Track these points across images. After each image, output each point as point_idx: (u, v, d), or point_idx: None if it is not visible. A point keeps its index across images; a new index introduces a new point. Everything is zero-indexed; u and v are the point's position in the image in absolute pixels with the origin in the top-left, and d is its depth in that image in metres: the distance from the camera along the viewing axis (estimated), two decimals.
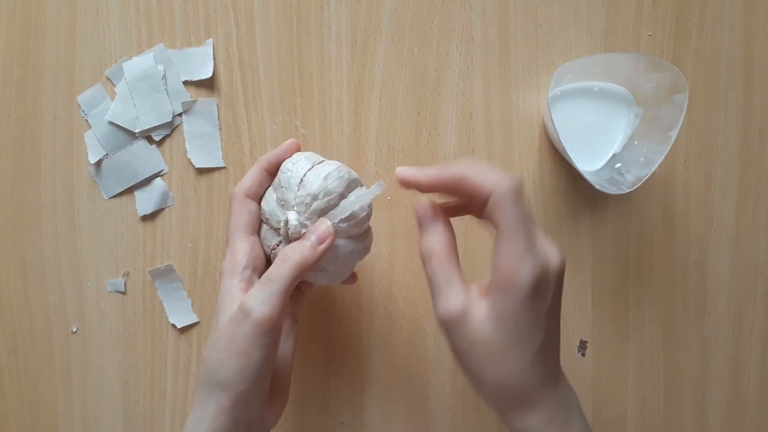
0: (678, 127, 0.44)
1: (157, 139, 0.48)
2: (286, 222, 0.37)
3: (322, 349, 0.50)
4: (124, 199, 0.49)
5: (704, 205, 0.50)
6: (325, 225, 0.37)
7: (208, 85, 0.48)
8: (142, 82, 0.48)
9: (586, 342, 0.50)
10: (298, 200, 0.38)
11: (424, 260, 0.35)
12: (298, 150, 0.41)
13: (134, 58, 0.48)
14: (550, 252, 0.33)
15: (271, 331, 0.35)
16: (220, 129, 0.49)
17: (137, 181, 0.49)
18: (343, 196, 0.38)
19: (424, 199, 0.36)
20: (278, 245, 0.39)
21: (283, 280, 0.35)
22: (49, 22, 0.48)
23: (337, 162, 0.39)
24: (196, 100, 0.48)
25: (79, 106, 0.49)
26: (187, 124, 0.48)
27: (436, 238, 0.35)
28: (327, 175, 0.37)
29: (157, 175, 0.49)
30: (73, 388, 0.50)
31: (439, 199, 0.36)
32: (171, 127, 0.48)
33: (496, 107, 0.49)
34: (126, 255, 0.49)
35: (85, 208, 0.49)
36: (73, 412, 0.50)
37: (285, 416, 0.40)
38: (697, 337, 0.51)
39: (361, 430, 0.50)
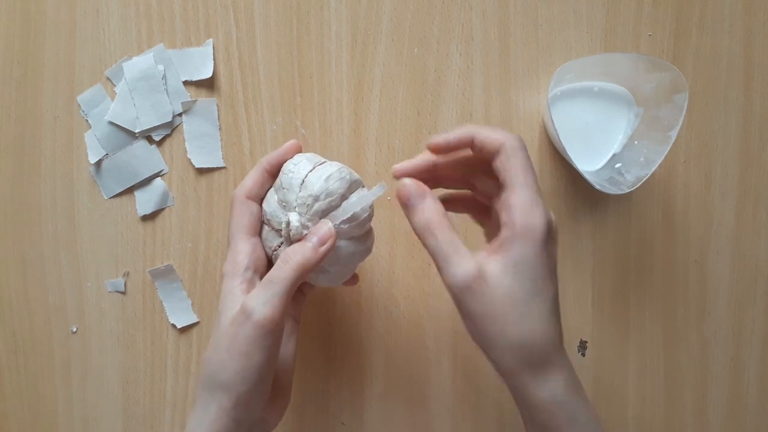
0: (678, 127, 0.44)
1: (157, 139, 0.48)
2: (288, 223, 0.37)
3: (322, 349, 0.50)
4: (124, 199, 0.49)
5: (704, 205, 0.50)
6: (326, 226, 0.37)
7: (208, 85, 0.48)
8: (142, 82, 0.48)
9: (586, 342, 0.50)
10: (299, 201, 0.38)
11: (424, 234, 0.35)
12: (299, 151, 0.41)
13: (134, 58, 0.48)
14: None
15: (272, 333, 0.35)
16: (220, 129, 0.49)
17: (137, 181, 0.49)
18: (344, 197, 0.38)
19: (407, 180, 0.36)
20: (279, 246, 0.39)
21: (284, 281, 0.35)
22: (49, 22, 0.48)
23: (339, 163, 0.39)
24: (196, 100, 0.48)
25: (79, 106, 0.49)
26: (187, 124, 0.48)
27: (430, 211, 0.35)
28: (328, 176, 0.37)
29: (157, 175, 0.49)
30: (73, 388, 0.50)
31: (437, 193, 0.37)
32: (171, 127, 0.48)
33: (496, 107, 0.49)
34: (126, 255, 0.49)
35: (85, 208, 0.49)
36: (73, 412, 0.50)
37: (285, 417, 0.40)
38: (698, 337, 0.51)
39: (361, 430, 0.50)
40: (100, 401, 0.50)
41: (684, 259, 0.50)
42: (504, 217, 0.34)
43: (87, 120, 0.49)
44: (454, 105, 0.49)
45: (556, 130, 0.44)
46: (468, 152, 0.38)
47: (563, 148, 0.44)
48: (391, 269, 0.49)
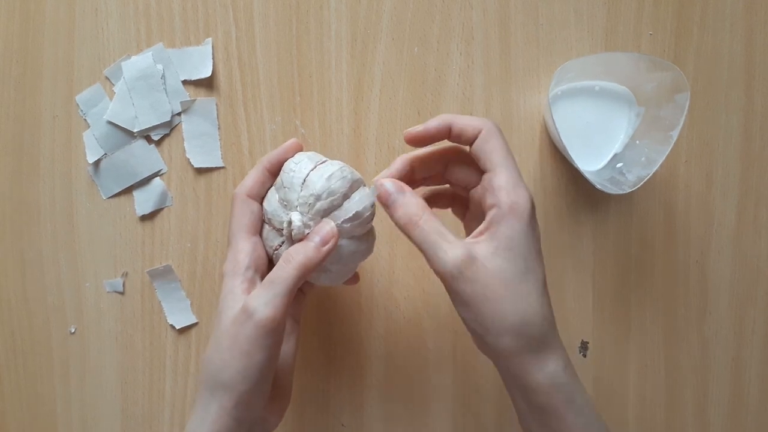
0: (679, 127, 0.44)
1: (155, 138, 0.48)
2: (290, 222, 0.37)
3: (322, 349, 0.50)
4: (123, 199, 0.49)
5: (705, 205, 0.50)
6: (328, 226, 0.37)
7: (207, 84, 0.48)
8: (140, 82, 0.48)
9: (587, 342, 0.50)
10: (301, 200, 0.37)
11: (408, 226, 0.35)
12: (300, 150, 0.41)
13: (133, 58, 0.48)
14: None
15: (274, 332, 0.35)
16: (219, 128, 0.49)
17: (136, 180, 0.48)
18: (346, 196, 0.38)
19: (384, 179, 0.37)
20: (281, 245, 0.39)
21: (286, 281, 0.35)
22: (48, 22, 0.48)
23: (340, 162, 0.39)
24: (195, 100, 0.48)
25: (78, 105, 0.48)
26: (186, 124, 0.48)
27: (410, 204, 0.36)
28: (330, 176, 0.37)
29: (155, 174, 0.49)
30: (72, 389, 0.50)
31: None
32: (170, 127, 0.48)
33: (497, 107, 0.49)
34: (124, 255, 0.49)
35: (84, 207, 0.49)
36: (71, 412, 0.50)
37: (285, 417, 0.40)
38: (699, 337, 0.51)
39: (361, 430, 0.50)
40: (98, 401, 0.50)
41: (685, 259, 0.50)
42: (489, 199, 0.35)
43: (86, 119, 0.48)
44: (454, 104, 0.49)
45: (557, 129, 0.44)
46: (444, 143, 0.39)
47: (564, 148, 0.44)
48: (391, 269, 0.49)
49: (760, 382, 0.51)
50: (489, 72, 0.49)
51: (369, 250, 0.40)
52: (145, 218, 0.49)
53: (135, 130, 0.48)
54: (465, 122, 0.37)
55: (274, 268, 0.36)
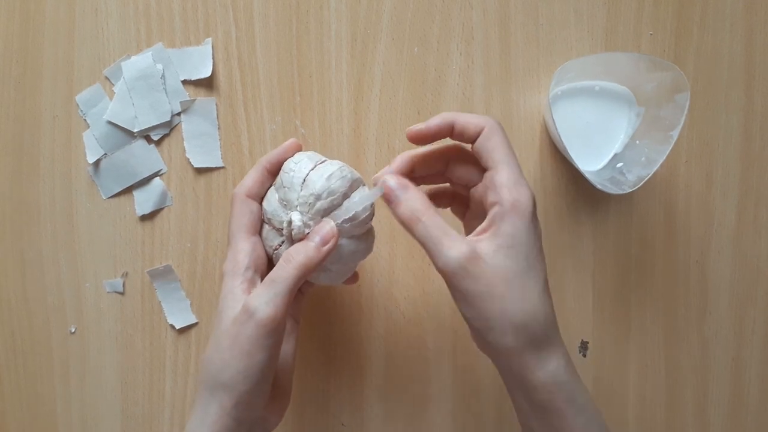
0: (679, 127, 0.44)
1: (155, 138, 0.48)
2: (290, 222, 0.37)
3: (322, 349, 0.50)
4: (123, 198, 0.49)
5: (706, 205, 0.50)
6: (329, 225, 0.37)
7: (207, 84, 0.48)
8: (140, 82, 0.48)
9: (587, 342, 0.50)
10: (301, 200, 0.37)
11: (411, 222, 0.35)
12: (299, 150, 0.41)
13: (133, 58, 0.48)
14: None
15: (274, 332, 0.35)
16: (219, 128, 0.49)
17: (136, 180, 0.48)
18: (346, 196, 0.38)
19: (388, 176, 0.37)
20: (280, 245, 0.39)
21: (287, 281, 0.35)
22: (48, 21, 0.48)
23: (340, 162, 0.39)
24: (194, 100, 0.48)
25: (78, 105, 0.48)
26: (186, 124, 0.48)
27: (414, 200, 0.36)
28: (330, 175, 0.37)
29: (155, 174, 0.49)
30: (72, 389, 0.50)
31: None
32: (170, 127, 0.48)
33: (497, 107, 0.49)
34: (124, 255, 0.49)
35: (84, 207, 0.49)
36: (71, 412, 0.50)
37: (285, 417, 0.40)
38: (699, 337, 0.51)
39: (361, 430, 0.50)
40: (98, 402, 0.50)
41: (685, 259, 0.50)
42: (491, 196, 0.35)
43: (85, 119, 0.48)
44: (454, 104, 0.49)
45: (557, 129, 0.44)
46: (447, 141, 0.38)
47: (564, 148, 0.44)
48: (391, 269, 0.49)
49: (760, 382, 0.51)
50: (489, 72, 0.49)
51: (369, 249, 0.40)
52: (145, 218, 0.49)
53: (135, 130, 0.48)
54: (467, 120, 0.36)
55: (275, 268, 0.36)
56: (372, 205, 0.39)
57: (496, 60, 0.49)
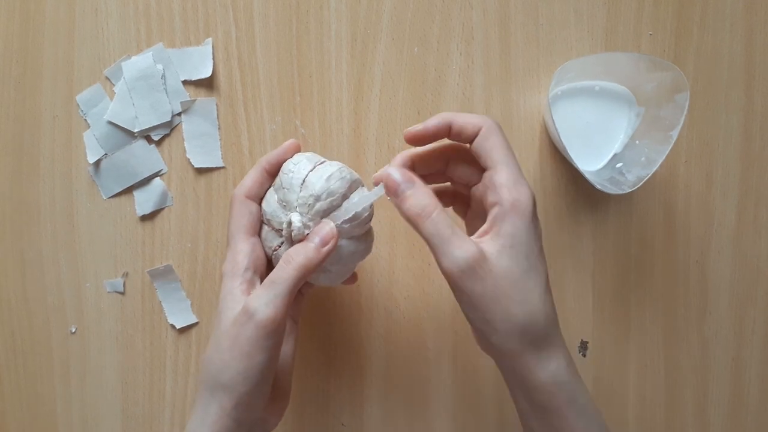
0: (679, 127, 0.44)
1: (156, 138, 0.48)
2: (290, 223, 0.37)
3: (322, 349, 0.50)
4: (123, 199, 0.49)
5: (705, 205, 0.50)
6: (328, 226, 0.37)
7: (208, 84, 0.48)
8: (141, 82, 0.48)
9: (587, 342, 0.50)
10: (300, 201, 0.37)
11: (419, 219, 0.34)
12: (299, 150, 0.41)
13: (133, 58, 0.48)
14: None
15: (274, 333, 0.35)
16: (219, 129, 0.49)
17: (136, 180, 0.48)
18: (345, 196, 0.38)
19: (392, 169, 0.36)
20: (280, 246, 0.39)
21: (287, 282, 0.35)
22: (48, 21, 0.48)
23: (339, 162, 0.39)
24: (195, 100, 0.48)
25: (78, 105, 0.48)
26: (186, 124, 0.48)
27: (422, 196, 0.35)
28: (329, 176, 0.37)
29: (156, 174, 0.49)
30: (72, 389, 0.50)
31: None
32: (170, 127, 0.48)
33: (497, 106, 0.49)
34: (125, 255, 0.49)
35: (84, 208, 0.49)
36: (71, 412, 0.50)
37: (285, 417, 0.40)
38: (699, 337, 0.51)
39: (361, 430, 0.50)
40: (98, 402, 0.50)
41: (685, 259, 0.50)
42: (491, 197, 0.35)
43: (86, 119, 0.48)
44: (454, 104, 0.49)
45: (556, 129, 0.44)
46: (444, 141, 0.38)
47: (564, 148, 0.44)
48: (391, 269, 0.49)
49: (760, 382, 0.51)
50: (489, 72, 0.49)
51: (368, 250, 0.41)
52: (145, 218, 0.49)
53: (135, 130, 0.48)
54: (465, 120, 0.36)
55: (275, 269, 0.36)
56: (371, 206, 0.39)
57: (496, 60, 0.49)
